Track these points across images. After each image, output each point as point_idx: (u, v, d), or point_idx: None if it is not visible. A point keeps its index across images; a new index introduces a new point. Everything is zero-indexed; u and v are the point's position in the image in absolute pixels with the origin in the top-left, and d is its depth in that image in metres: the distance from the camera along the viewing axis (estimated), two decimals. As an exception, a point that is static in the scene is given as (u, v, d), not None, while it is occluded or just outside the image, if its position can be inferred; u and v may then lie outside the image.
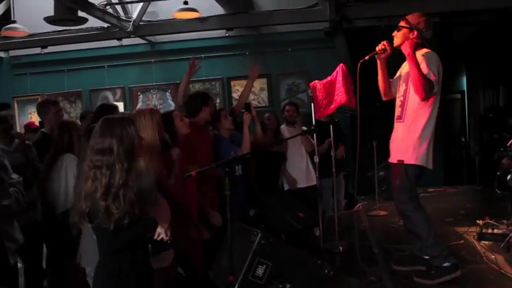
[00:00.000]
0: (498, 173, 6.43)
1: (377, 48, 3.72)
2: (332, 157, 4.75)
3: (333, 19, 7.04)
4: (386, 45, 3.70)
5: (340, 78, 4.45)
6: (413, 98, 3.55)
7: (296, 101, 6.46)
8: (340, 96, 4.43)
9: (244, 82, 8.29)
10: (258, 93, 8.39)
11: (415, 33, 3.61)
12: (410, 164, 3.56)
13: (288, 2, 7.48)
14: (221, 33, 8.09)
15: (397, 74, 3.89)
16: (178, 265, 3.45)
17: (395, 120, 3.77)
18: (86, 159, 2.43)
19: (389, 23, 7.32)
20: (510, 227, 4.38)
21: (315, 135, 4.70)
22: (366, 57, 3.76)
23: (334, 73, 4.54)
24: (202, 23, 7.56)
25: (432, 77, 3.42)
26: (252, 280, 3.27)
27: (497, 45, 8.21)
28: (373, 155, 6.06)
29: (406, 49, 3.48)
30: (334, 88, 4.49)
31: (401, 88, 3.71)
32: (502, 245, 4.11)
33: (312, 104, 4.56)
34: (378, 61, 3.81)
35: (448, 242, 4.39)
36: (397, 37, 3.68)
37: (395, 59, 3.79)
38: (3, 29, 7.00)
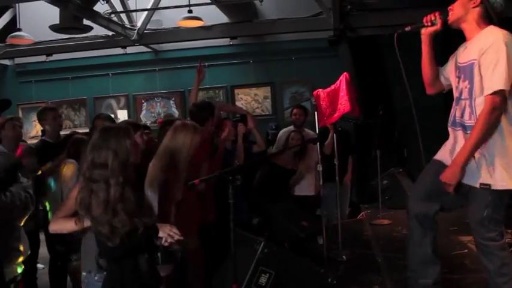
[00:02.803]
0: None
1: (424, 20, 2.87)
2: (335, 165, 4.74)
3: (336, 28, 7.07)
4: (437, 17, 2.83)
5: (344, 87, 4.46)
6: (483, 100, 2.65)
7: (303, 104, 6.37)
8: (344, 104, 4.44)
9: (248, 90, 8.40)
10: (262, 101, 8.41)
11: (478, 0, 2.68)
12: (503, 190, 2.66)
13: (291, 10, 7.52)
14: (225, 41, 8.14)
15: (450, 62, 2.99)
16: (178, 275, 3.44)
17: (452, 127, 2.90)
18: (84, 170, 2.40)
19: (394, 31, 7.35)
20: (514, 236, 4.35)
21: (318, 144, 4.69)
22: (407, 28, 2.93)
23: (338, 82, 4.55)
24: (206, 31, 7.60)
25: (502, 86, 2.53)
26: (255, 289, 3.27)
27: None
28: (376, 163, 6.06)
29: None
30: (338, 97, 4.49)
31: (461, 85, 2.81)
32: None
33: (316, 113, 4.56)
34: (423, 39, 2.95)
35: (452, 251, 4.38)
36: (454, 9, 2.77)
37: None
38: (8, 37, 7.06)
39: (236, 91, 8.49)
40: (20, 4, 7.35)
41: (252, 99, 8.43)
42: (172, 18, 7.39)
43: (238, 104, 8.40)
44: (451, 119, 2.92)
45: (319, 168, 4.48)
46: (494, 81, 2.56)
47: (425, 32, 2.92)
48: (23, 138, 7.57)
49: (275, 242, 3.57)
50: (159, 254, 2.55)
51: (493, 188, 2.65)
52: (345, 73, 4.58)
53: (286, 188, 5.48)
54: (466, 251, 4.43)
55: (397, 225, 5.54)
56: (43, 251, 4.63)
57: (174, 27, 7.63)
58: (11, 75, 9.17)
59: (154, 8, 7.58)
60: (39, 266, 4.98)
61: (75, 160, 4.00)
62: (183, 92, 8.63)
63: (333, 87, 4.58)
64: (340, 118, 4.64)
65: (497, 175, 2.64)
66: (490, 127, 2.60)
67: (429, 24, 2.86)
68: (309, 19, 7.38)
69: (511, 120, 2.68)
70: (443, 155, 2.98)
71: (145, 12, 7.66)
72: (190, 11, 6.70)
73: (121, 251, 2.38)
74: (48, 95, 8.84)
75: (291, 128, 5.98)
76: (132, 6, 7.63)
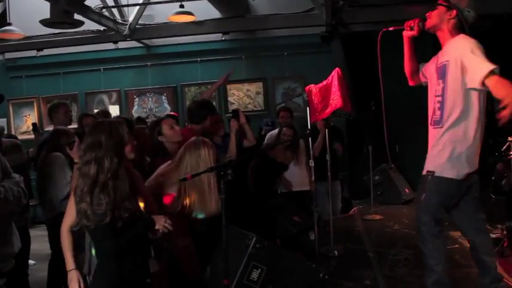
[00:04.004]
0: (493, 178, 6.47)
1: (405, 24, 3.20)
2: (327, 161, 4.75)
3: (329, 24, 7.07)
4: (415, 24, 3.14)
5: (336, 83, 4.46)
6: (454, 98, 2.93)
7: (290, 105, 6.42)
8: (336, 100, 4.44)
9: (240, 86, 8.39)
10: (254, 97, 8.40)
11: (454, 12, 2.97)
12: (444, 177, 2.96)
13: (284, 6, 7.50)
14: (217, 37, 8.13)
15: (431, 62, 3.24)
16: (172, 272, 3.43)
17: (430, 125, 3.14)
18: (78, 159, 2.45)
19: (386, 27, 7.35)
20: (504, 232, 4.39)
21: (310, 139, 4.69)
22: (391, 28, 3.27)
23: (330, 77, 4.55)
24: (198, 26, 7.57)
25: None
26: (246, 284, 3.26)
27: (492, 50, 8.24)
28: (368, 159, 6.08)
29: None
30: (330, 92, 4.49)
31: (438, 86, 3.05)
32: (496, 250, 4.12)
33: (308, 108, 4.55)
34: (404, 40, 3.28)
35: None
36: (431, 17, 3.07)
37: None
38: (-2, 31, 6.99)
39: (228, 87, 8.46)
40: (10, -2, 7.27)
41: (244, 95, 8.42)
42: (164, 13, 7.36)
43: (230, 99, 8.41)
44: (431, 118, 3.14)
45: (312, 164, 4.49)
46: (484, 68, 2.78)
47: (405, 35, 3.25)
48: (13, 133, 7.57)
49: (267, 237, 3.57)
50: (151, 248, 2.55)
51: (435, 174, 2.97)
52: (337, 69, 4.58)
53: (277, 181, 5.50)
54: (456, 246, 4.46)
55: (389, 221, 5.57)
56: (34, 247, 4.61)
57: (166, 22, 7.59)
58: (1, 70, 9.07)
59: (146, 3, 7.54)
60: (31, 262, 4.96)
61: (58, 152, 3.97)
62: (175, 87, 8.60)
63: (325, 82, 4.57)
64: (332, 114, 4.64)
65: (441, 163, 2.95)
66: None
67: (408, 29, 3.19)
68: (301, 15, 7.37)
69: (475, 117, 2.94)
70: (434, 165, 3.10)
71: (137, 7, 7.61)
72: (182, 6, 6.67)
73: (121, 245, 2.37)
74: (39, 90, 8.78)
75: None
76: (123, 1, 7.59)
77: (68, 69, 8.74)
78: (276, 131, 5.94)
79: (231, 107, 8.16)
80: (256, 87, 8.40)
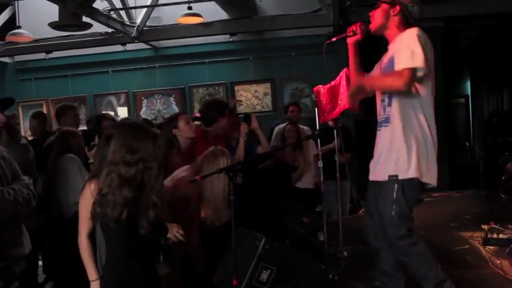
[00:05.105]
0: (503, 178, 6.44)
1: (348, 29, 3.09)
2: (336, 162, 4.73)
3: (336, 24, 7.05)
4: (357, 28, 3.04)
5: (344, 83, 4.44)
6: (398, 94, 2.82)
7: (298, 102, 6.42)
8: (344, 101, 4.42)
9: (248, 87, 8.39)
10: (262, 97, 8.40)
11: (397, 8, 2.86)
12: (407, 179, 2.78)
13: (291, 7, 7.50)
14: (225, 38, 8.13)
15: (375, 69, 3.20)
16: (185, 274, 3.44)
17: (378, 128, 3.07)
18: (111, 155, 2.29)
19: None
20: (515, 232, 4.36)
21: (319, 140, 4.68)
22: (333, 39, 3.23)
23: (338, 78, 4.54)
24: (206, 28, 7.59)
25: (412, 64, 2.67)
26: (256, 285, 3.26)
27: (501, 49, 8.20)
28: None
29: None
30: (338, 93, 4.48)
31: None
32: (507, 250, 4.09)
33: (316, 109, 4.55)
34: (348, 48, 3.18)
35: (453, 247, 4.38)
36: (375, 17, 2.96)
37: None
38: (8, 34, 7.03)
39: (236, 88, 8.48)
40: (20, 1, 7.31)
41: (252, 96, 8.43)
42: (172, 15, 7.38)
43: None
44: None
45: (320, 164, 4.48)
46: (409, 59, 2.67)
47: (349, 42, 3.12)
48: (23, 135, 7.61)
49: (276, 238, 3.57)
50: (161, 253, 2.55)
51: (400, 178, 2.77)
52: (345, 69, 4.56)
53: (289, 184, 5.48)
54: (467, 246, 4.43)
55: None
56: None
57: (174, 24, 7.61)
58: (10, 73, 9.15)
59: (154, 5, 7.56)
60: (41, 263, 4.98)
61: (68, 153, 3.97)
62: (183, 89, 8.63)
63: (333, 83, 4.56)
64: (341, 114, 4.63)
65: (406, 165, 2.76)
66: (389, 86, 2.82)
67: (351, 34, 3.06)
68: (308, 15, 7.36)
69: (429, 117, 2.82)
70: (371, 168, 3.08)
71: (145, 9, 7.64)
72: (189, 8, 6.69)
73: (133, 249, 2.37)
74: (48, 92, 8.84)
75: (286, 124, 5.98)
76: (131, 3, 7.61)
77: (76, 71, 8.80)
78: (283, 125, 5.93)
79: (239, 108, 8.17)
80: (264, 88, 8.41)
